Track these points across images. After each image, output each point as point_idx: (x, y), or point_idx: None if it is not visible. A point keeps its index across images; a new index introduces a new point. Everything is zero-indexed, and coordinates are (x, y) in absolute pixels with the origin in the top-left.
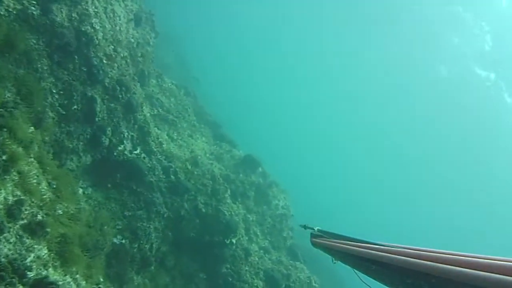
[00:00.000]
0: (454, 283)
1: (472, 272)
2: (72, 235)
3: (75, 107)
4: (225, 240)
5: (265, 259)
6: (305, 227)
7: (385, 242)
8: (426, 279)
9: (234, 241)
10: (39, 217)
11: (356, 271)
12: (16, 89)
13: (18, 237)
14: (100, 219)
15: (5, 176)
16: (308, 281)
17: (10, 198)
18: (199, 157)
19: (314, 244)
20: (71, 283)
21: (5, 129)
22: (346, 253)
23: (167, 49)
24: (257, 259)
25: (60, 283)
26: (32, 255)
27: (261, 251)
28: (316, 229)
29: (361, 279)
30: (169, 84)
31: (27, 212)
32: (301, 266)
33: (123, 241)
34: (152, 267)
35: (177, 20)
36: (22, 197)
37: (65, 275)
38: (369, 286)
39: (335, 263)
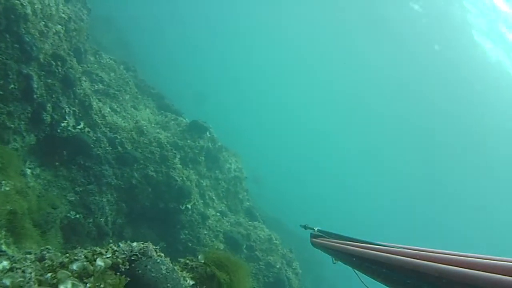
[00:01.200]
0: (454, 283)
1: (472, 272)
2: (22, 210)
3: (12, 86)
4: (180, 206)
5: (223, 221)
6: (305, 227)
7: (383, 242)
8: (426, 279)
9: (189, 206)
10: None
11: (356, 271)
12: None
13: None
14: (50, 194)
15: None
16: (269, 237)
17: None
18: (144, 126)
19: (314, 244)
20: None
21: None
22: (346, 253)
23: (105, 31)
24: (215, 222)
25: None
26: None
27: (218, 214)
28: (316, 229)
29: (360, 280)
30: (108, 60)
31: None
32: (260, 225)
33: (77, 215)
34: (110, 240)
35: (114, 2)
36: None
37: (19, 251)
38: (367, 287)
39: (335, 263)
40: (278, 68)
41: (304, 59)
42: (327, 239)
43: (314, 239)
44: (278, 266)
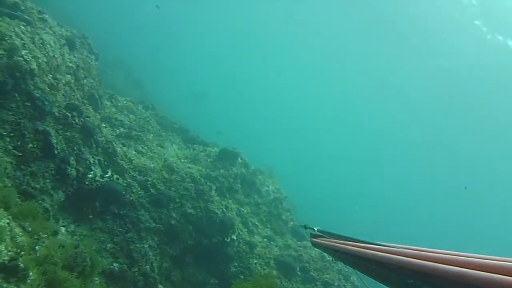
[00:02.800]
0: (454, 283)
1: (472, 272)
2: (61, 274)
3: (31, 145)
4: (225, 239)
5: (272, 247)
6: (305, 227)
7: (384, 242)
8: (426, 279)
9: (234, 237)
10: (20, 264)
11: (356, 271)
12: None
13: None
14: (88, 248)
15: None
16: (321, 255)
17: None
18: (174, 163)
19: (314, 244)
20: None
21: None
22: (346, 253)
23: (116, 74)
24: (263, 249)
25: None
26: None
27: (265, 240)
28: (316, 229)
29: (361, 280)
30: (124, 102)
31: (4, 261)
32: (309, 244)
33: (122, 266)
34: (161, 286)
35: (119, 45)
36: None
37: None
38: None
39: (334, 263)
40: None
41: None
42: (327, 239)
43: (314, 239)
44: (336, 284)
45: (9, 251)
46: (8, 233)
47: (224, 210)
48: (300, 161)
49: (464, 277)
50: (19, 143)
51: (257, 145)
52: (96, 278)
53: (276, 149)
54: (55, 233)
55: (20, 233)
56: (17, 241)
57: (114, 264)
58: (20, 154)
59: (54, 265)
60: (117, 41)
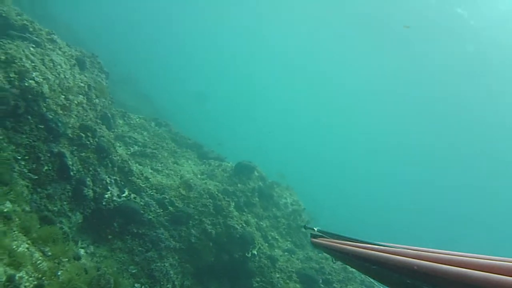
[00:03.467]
0: (454, 283)
1: (472, 272)
2: None
3: (46, 167)
4: (246, 254)
5: (293, 260)
6: (305, 227)
7: (384, 242)
8: (426, 280)
9: (255, 252)
10: None
11: (356, 271)
12: None
13: None
14: (104, 268)
15: None
16: (343, 266)
17: (3, 278)
18: (191, 180)
19: (314, 245)
20: None
21: None
22: (346, 253)
23: (125, 91)
24: (284, 263)
25: None
26: None
27: (286, 253)
28: (316, 229)
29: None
30: (137, 120)
31: (26, 285)
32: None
33: (143, 287)
34: None
35: (128, 64)
36: (17, 274)
37: None
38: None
39: (334, 262)
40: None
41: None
42: (327, 239)
43: (314, 239)
44: None
45: (30, 277)
46: (29, 258)
47: (244, 225)
48: (304, 169)
49: (464, 277)
50: (34, 166)
51: (261, 155)
52: None
53: (282, 158)
54: (76, 256)
55: (41, 258)
56: (39, 266)
57: (136, 285)
58: (36, 177)
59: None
60: (122, 58)
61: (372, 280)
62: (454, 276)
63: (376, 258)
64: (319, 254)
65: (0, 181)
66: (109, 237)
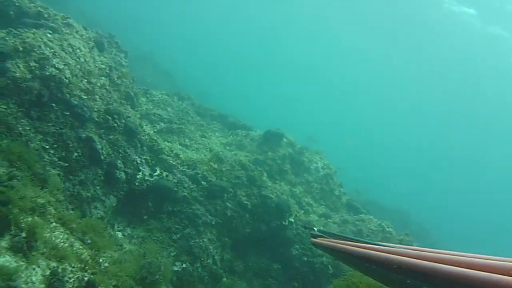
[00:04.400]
0: (454, 283)
1: (472, 272)
2: (128, 282)
3: (76, 154)
4: (283, 222)
5: (330, 224)
6: (305, 227)
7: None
8: (426, 279)
9: (292, 219)
10: (86, 279)
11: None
12: (7, 162)
13: None
14: (149, 253)
15: (33, 253)
16: (381, 228)
17: (48, 273)
18: (220, 152)
19: (314, 244)
20: None
21: (10, 206)
22: (346, 253)
23: (144, 68)
24: (322, 227)
25: None
26: None
27: (322, 218)
28: (316, 229)
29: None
30: (160, 96)
31: (71, 280)
32: (367, 217)
33: (184, 265)
34: (225, 279)
35: (144, 41)
36: (59, 267)
37: None
38: None
39: (335, 262)
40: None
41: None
42: (327, 239)
43: (314, 239)
44: None
45: (73, 267)
46: (70, 249)
47: (278, 193)
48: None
49: (464, 277)
50: (63, 154)
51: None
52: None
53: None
54: (116, 241)
55: (81, 247)
56: (81, 256)
57: (177, 263)
58: (67, 164)
59: (124, 277)
60: (137, 35)
61: (374, 280)
62: (454, 276)
63: (376, 258)
64: (355, 216)
65: (28, 171)
66: (145, 217)
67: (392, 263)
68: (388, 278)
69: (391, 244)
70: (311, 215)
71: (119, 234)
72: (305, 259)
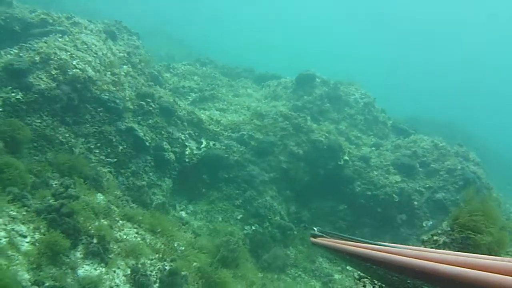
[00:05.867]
0: (454, 283)
1: (472, 272)
2: (206, 260)
3: (121, 147)
4: (338, 162)
5: (383, 153)
6: (305, 227)
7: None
8: (426, 280)
9: (346, 157)
10: (167, 267)
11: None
12: (58, 172)
13: None
14: (216, 224)
15: (109, 256)
16: (433, 144)
17: (128, 271)
18: (258, 108)
19: (314, 244)
20: None
21: (74, 216)
22: (346, 253)
23: (156, 43)
24: (376, 158)
25: None
26: None
27: (373, 148)
28: (316, 229)
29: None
30: (183, 67)
31: (154, 272)
32: (417, 137)
33: (253, 227)
34: (295, 231)
35: (144, 15)
36: (138, 263)
37: None
38: None
39: (335, 262)
40: None
41: None
42: (327, 239)
43: (314, 239)
44: (459, 167)
45: (152, 259)
46: (143, 242)
47: (326, 135)
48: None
49: (464, 277)
50: (109, 150)
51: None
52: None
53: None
54: (183, 222)
55: (153, 238)
56: (155, 247)
57: (246, 227)
58: (115, 159)
59: (203, 255)
60: (139, 12)
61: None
62: (454, 276)
63: (376, 258)
64: (406, 139)
65: (80, 176)
66: (203, 190)
67: (393, 263)
68: (388, 278)
69: (391, 244)
70: (363, 148)
71: (183, 214)
72: (369, 193)
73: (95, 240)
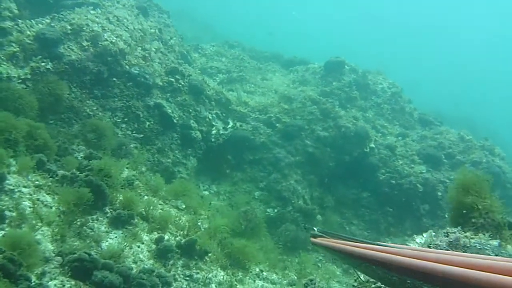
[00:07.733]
0: (454, 283)
1: (472, 272)
2: (230, 239)
3: (148, 123)
4: (364, 150)
5: (409, 142)
6: (305, 227)
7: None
8: (426, 280)
9: (372, 145)
10: (194, 243)
11: (356, 270)
12: (84, 144)
13: (187, 278)
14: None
15: (134, 230)
16: (459, 136)
17: (153, 247)
18: (286, 92)
19: (314, 244)
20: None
21: (100, 187)
22: (346, 253)
23: (183, 26)
24: (402, 147)
25: None
26: (213, 285)
27: (400, 138)
28: (316, 229)
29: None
30: (211, 49)
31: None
32: (444, 128)
33: (275, 210)
34: (319, 216)
35: None
36: (164, 239)
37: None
38: None
39: (334, 262)
40: None
41: None
42: (327, 239)
43: (314, 239)
44: (484, 160)
45: (176, 236)
46: (168, 217)
47: (354, 121)
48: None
49: (464, 277)
50: (136, 125)
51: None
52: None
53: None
54: (206, 201)
55: (178, 214)
56: (179, 223)
57: (268, 210)
58: (142, 135)
59: (225, 233)
60: None
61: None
62: (454, 276)
63: (376, 258)
64: (432, 130)
65: (105, 150)
66: (227, 171)
67: (392, 263)
68: (388, 278)
69: (391, 244)
70: (388, 137)
71: (206, 193)
72: (393, 182)
73: (119, 213)
